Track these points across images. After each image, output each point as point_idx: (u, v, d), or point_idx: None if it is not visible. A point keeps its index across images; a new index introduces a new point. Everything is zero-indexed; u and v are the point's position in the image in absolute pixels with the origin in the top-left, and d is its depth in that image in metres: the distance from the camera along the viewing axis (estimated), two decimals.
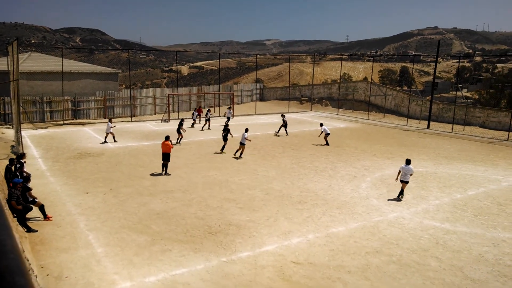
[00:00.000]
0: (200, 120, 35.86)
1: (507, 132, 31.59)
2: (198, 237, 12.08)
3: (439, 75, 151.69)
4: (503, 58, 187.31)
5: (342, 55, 59.13)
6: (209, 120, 32.69)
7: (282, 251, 11.28)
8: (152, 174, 18.74)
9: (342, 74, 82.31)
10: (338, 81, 59.41)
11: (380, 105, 46.23)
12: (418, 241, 12.17)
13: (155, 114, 40.74)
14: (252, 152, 23.88)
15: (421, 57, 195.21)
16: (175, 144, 22.32)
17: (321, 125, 27.59)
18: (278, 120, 34.64)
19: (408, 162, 16.17)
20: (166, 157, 18.57)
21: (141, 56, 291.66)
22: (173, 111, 40.82)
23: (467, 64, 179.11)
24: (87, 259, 10.60)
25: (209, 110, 34.38)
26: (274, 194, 16.26)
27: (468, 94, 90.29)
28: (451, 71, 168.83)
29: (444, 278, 10.08)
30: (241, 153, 22.45)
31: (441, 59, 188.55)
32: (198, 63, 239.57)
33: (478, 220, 14.00)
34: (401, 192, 15.99)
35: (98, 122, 35.14)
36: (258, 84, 57.71)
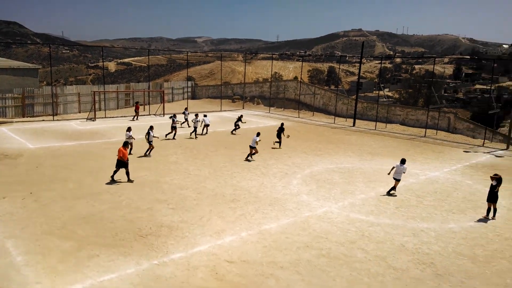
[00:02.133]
0: (137, 117, 35.43)
1: (424, 129, 34.03)
2: (128, 240, 11.65)
3: (363, 75, 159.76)
4: (421, 60, 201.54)
5: (273, 54, 60.16)
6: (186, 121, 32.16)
7: (215, 250, 11.23)
8: (110, 183, 17.76)
9: (273, 73, 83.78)
10: (270, 80, 60.33)
11: (309, 104, 47.65)
12: (345, 234, 12.71)
13: (79, 112, 38.68)
14: (184, 151, 23.52)
15: (347, 58, 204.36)
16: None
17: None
18: (212, 118, 34.42)
19: (402, 161, 16.96)
20: (119, 163, 17.08)
21: (63, 51, 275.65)
22: (100, 110, 39.03)
23: (389, 65, 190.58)
24: (5, 268, 9.81)
25: (186, 109, 34.26)
26: (206, 193, 16.14)
27: (390, 94, 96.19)
28: (374, 71, 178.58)
29: (370, 268, 10.62)
30: (249, 155, 22.08)
31: (365, 60, 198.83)
32: (126, 60, 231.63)
33: (399, 212, 14.92)
34: (393, 188, 16.77)
35: (16, 121, 32.66)
36: (189, 82, 56.92)
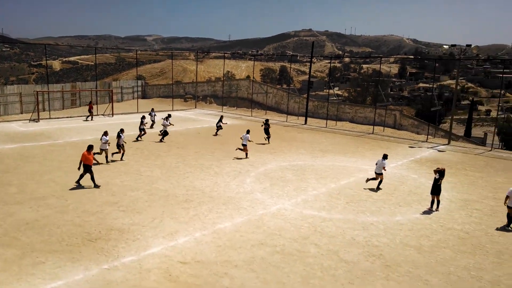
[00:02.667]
0: (91, 117, 34.62)
1: (372, 126, 35.22)
2: (76, 245, 11.18)
3: (314, 75, 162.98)
4: (368, 60, 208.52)
5: (225, 53, 59.87)
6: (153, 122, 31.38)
7: (168, 252, 11.02)
8: (93, 187, 16.83)
9: (225, 72, 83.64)
10: (222, 79, 60.21)
11: (262, 103, 47.99)
12: (299, 230, 12.89)
13: (22, 113, 36.72)
14: (134, 152, 22.92)
15: (298, 57, 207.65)
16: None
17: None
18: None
19: (384, 157, 17.72)
20: (85, 168, 16.18)
21: (4, 49, 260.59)
22: (44, 110, 37.25)
23: (338, 65, 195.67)
24: None
25: (153, 109, 32.61)
26: (159, 194, 15.82)
27: (339, 92, 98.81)
28: (324, 70, 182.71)
29: (322, 263, 10.83)
30: (246, 154, 22.67)
31: (316, 60, 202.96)
32: (72, 58, 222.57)
33: (350, 206, 15.33)
34: (373, 179, 17.67)
35: None
36: (139, 81, 55.66)
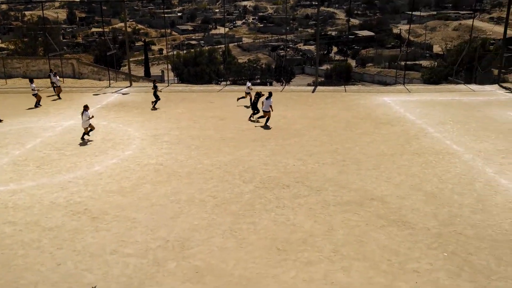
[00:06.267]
0: None
1: (45, 79, 32.44)
2: None
3: None
4: (30, 6, 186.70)
5: None
6: None
7: None
8: None
9: None
10: None
11: None
12: None
13: None
14: None
15: None
16: None
17: None
18: None
19: (270, 95, 18.61)
20: None
21: None
22: None
23: None
24: None
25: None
26: None
27: (4, 45, 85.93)
28: None
29: (23, 239, 9.74)
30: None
31: None
32: None
33: (42, 170, 14.08)
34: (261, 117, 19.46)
35: None
36: None
